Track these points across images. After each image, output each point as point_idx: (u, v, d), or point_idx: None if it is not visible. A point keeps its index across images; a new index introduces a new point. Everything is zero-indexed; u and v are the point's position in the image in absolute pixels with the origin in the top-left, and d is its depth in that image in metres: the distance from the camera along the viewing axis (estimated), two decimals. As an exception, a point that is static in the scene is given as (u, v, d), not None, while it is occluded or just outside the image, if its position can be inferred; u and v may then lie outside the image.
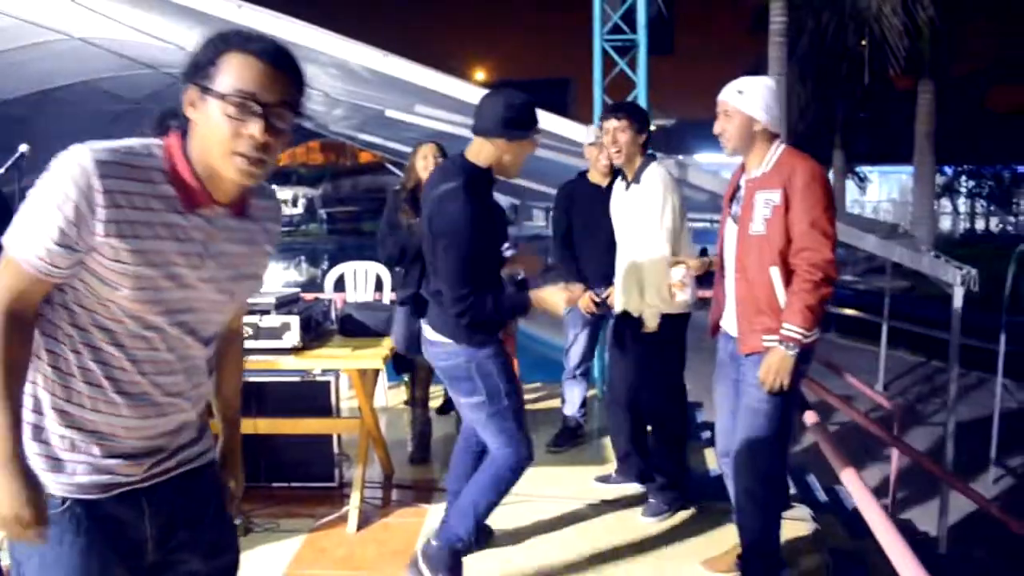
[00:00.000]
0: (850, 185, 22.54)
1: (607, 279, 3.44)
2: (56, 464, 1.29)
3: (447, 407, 4.55)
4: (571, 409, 4.23)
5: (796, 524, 3.20)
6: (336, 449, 3.56)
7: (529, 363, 6.11)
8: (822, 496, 4.33)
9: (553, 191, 4.28)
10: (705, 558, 2.92)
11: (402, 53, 3.44)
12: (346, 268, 5.20)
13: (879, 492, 5.68)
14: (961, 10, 14.66)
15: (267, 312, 3.07)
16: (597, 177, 3.83)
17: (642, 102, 4.81)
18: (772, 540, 2.65)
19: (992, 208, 26.69)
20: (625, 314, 3.28)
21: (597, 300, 3.80)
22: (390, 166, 9.92)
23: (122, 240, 1.22)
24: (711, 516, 3.28)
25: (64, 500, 1.29)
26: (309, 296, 4.16)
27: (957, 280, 4.33)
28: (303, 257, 24.87)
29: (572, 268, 3.85)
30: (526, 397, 5.14)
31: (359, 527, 3.21)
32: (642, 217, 3.15)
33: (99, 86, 5.11)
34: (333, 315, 3.50)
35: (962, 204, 27.13)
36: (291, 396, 3.48)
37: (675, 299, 2.95)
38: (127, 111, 5.59)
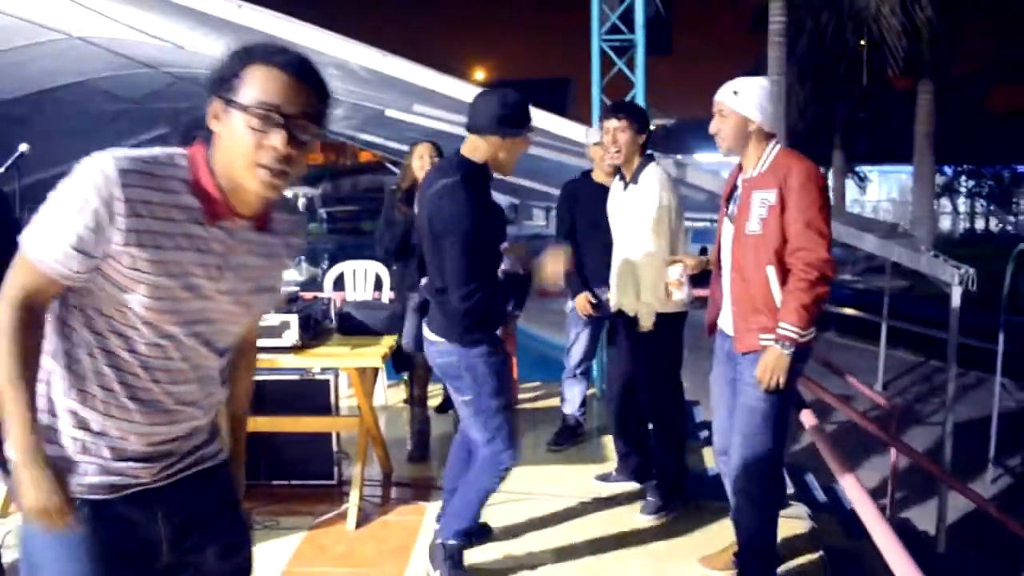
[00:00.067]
0: (850, 185, 22.55)
1: (608, 279, 3.46)
2: (68, 465, 1.30)
3: (446, 406, 4.56)
4: (571, 408, 4.24)
5: (793, 522, 3.22)
6: (335, 447, 3.58)
7: (529, 362, 6.13)
8: (820, 496, 4.34)
9: (553, 190, 4.30)
10: (702, 556, 2.93)
11: (402, 53, 3.46)
12: (346, 267, 5.21)
13: (878, 491, 5.70)
14: (959, 10, 14.66)
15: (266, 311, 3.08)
16: (601, 177, 3.83)
17: (640, 102, 4.81)
18: (769, 538, 2.66)
19: (992, 208, 26.68)
20: (621, 313, 3.30)
21: (594, 301, 3.82)
22: (390, 165, 9.93)
23: (141, 249, 1.22)
24: (709, 514, 3.29)
25: (75, 501, 1.29)
26: (308, 295, 4.18)
27: (955, 279, 4.34)
28: (303, 256, 24.85)
29: (576, 266, 3.86)
30: (526, 396, 5.17)
31: (358, 524, 3.22)
32: (639, 217, 3.16)
33: (98, 85, 5.12)
34: (332, 314, 3.51)
35: (962, 204, 27.12)
36: (290, 394, 3.50)
37: (672, 298, 2.96)
38: (126, 110, 5.59)
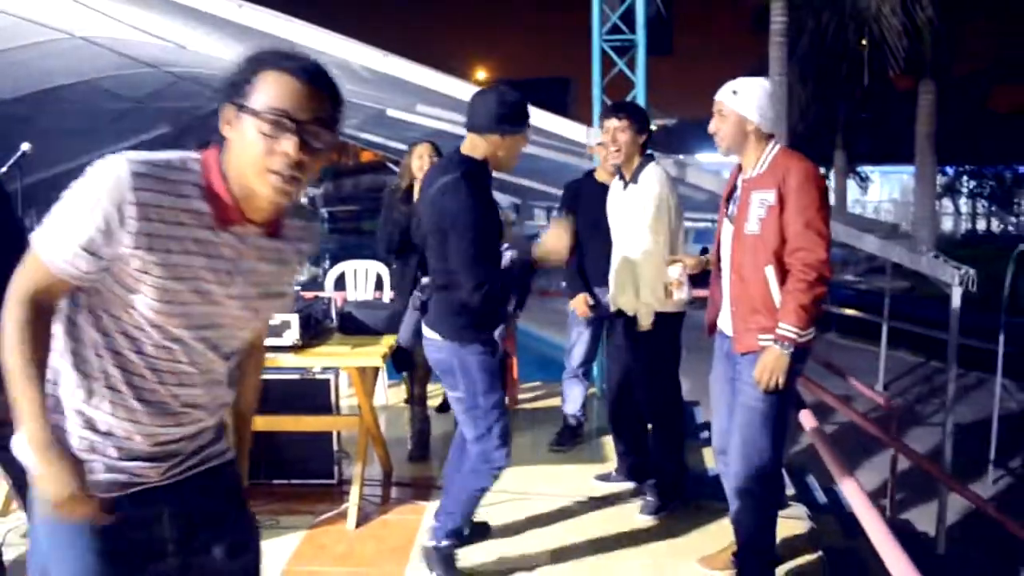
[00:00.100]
0: (851, 185, 22.54)
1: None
2: None
3: (446, 405, 4.56)
4: (572, 408, 4.24)
5: (792, 523, 3.22)
6: (336, 446, 3.58)
7: (529, 361, 6.12)
8: (821, 496, 4.34)
9: (553, 190, 4.30)
10: (702, 556, 2.94)
11: (402, 53, 3.47)
12: (347, 267, 5.22)
13: (878, 492, 5.70)
14: (960, 10, 14.65)
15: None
16: (605, 176, 3.83)
17: (641, 102, 4.81)
18: (767, 538, 2.67)
19: (993, 209, 26.65)
20: (620, 312, 3.30)
21: (591, 303, 3.82)
22: (391, 165, 9.94)
23: (151, 253, 1.23)
24: (708, 514, 3.29)
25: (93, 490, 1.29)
26: (309, 294, 4.18)
27: (955, 280, 4.34)
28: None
29: (576, 266, 3.87)
30: (526, 396, 5.18)
31: (358, 524, 3.23)
32: (639, 216, 3.17)
33: (100, 85, 5.13)
34: (333, 313, 3.51)
35: (963, 205, 27.09)
36: (291, 393, 3.50)
37: (672, 297, 2.97)
38: (128, 110, 5.60)
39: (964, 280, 4.32)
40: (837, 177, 19.61)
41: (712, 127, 2.58)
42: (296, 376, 3.51)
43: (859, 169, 23.30)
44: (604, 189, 3.72)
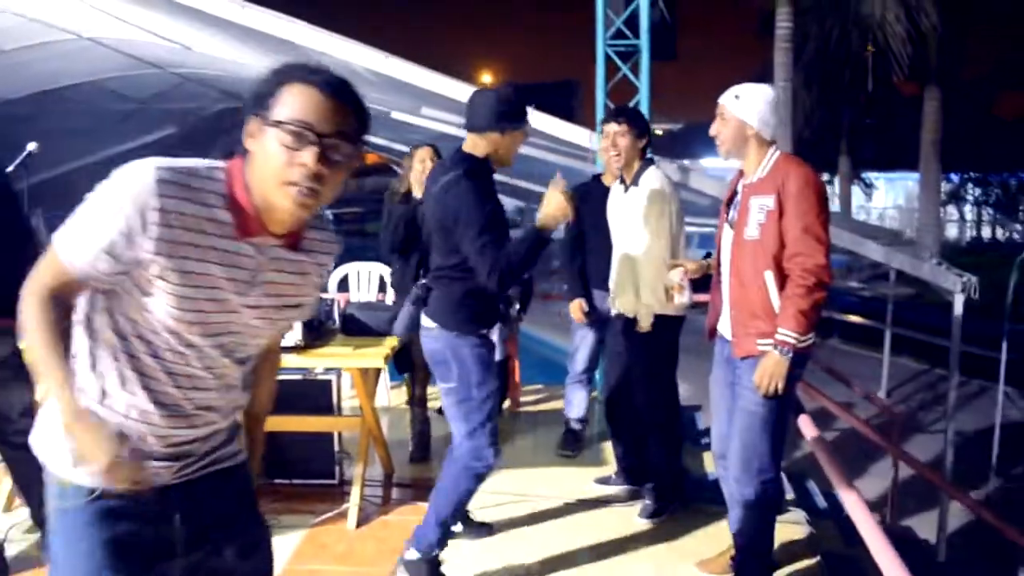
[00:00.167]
0: (856, 191, 22.51)
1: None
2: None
3: (447, 407, 4.56)
4: (576, 413, 4.24)
5: (791, 528, 3.22)
6: (337, 447, 3.60)
7: (531, 364, 6.13)
8: (820, 502, 4.34)
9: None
10: (700, 559, 2.94)
11: (402, 54, 3.48)
12: (350, 268, 5.24)
13: (880, 499, 5.69)
14: (964, 16, 14.64)
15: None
16: (611, 180, 3.84)
17: (644, 107, 4.82)
18: (766, 542, 2.67)
19: (998, 216, 26.56)
20: (620, 315, 3.31)
21: (586, 309, 3.84)
22: (395, 167, 9.95)
23: (170, 260, 1.24)
24: (707, 518, 3.29)
25: (93, 491, 1.31)
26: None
27: (957, 287, 4.34)
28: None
29: (578, 270, 3.88)
30: (528, 399, 5.18)
31: (359, 524, 3.24)
32: (639, 218, 3.18)
33: (106, 86, 5.16)
34: (336, 314, 3.53)
35: (969, 212, 27.02)
36: (293, 394, 3.50)
37: (673, 301, 2.98)
38: (134, 111, 5.63)
39: (966, 287, 4.32)
40: (842, 183, 19.60)
41: (713, 130, 2.60)
42: (298, 376, 3.52)
43: (864, 175, 23.27)
44: (609, 193, 3.73)
